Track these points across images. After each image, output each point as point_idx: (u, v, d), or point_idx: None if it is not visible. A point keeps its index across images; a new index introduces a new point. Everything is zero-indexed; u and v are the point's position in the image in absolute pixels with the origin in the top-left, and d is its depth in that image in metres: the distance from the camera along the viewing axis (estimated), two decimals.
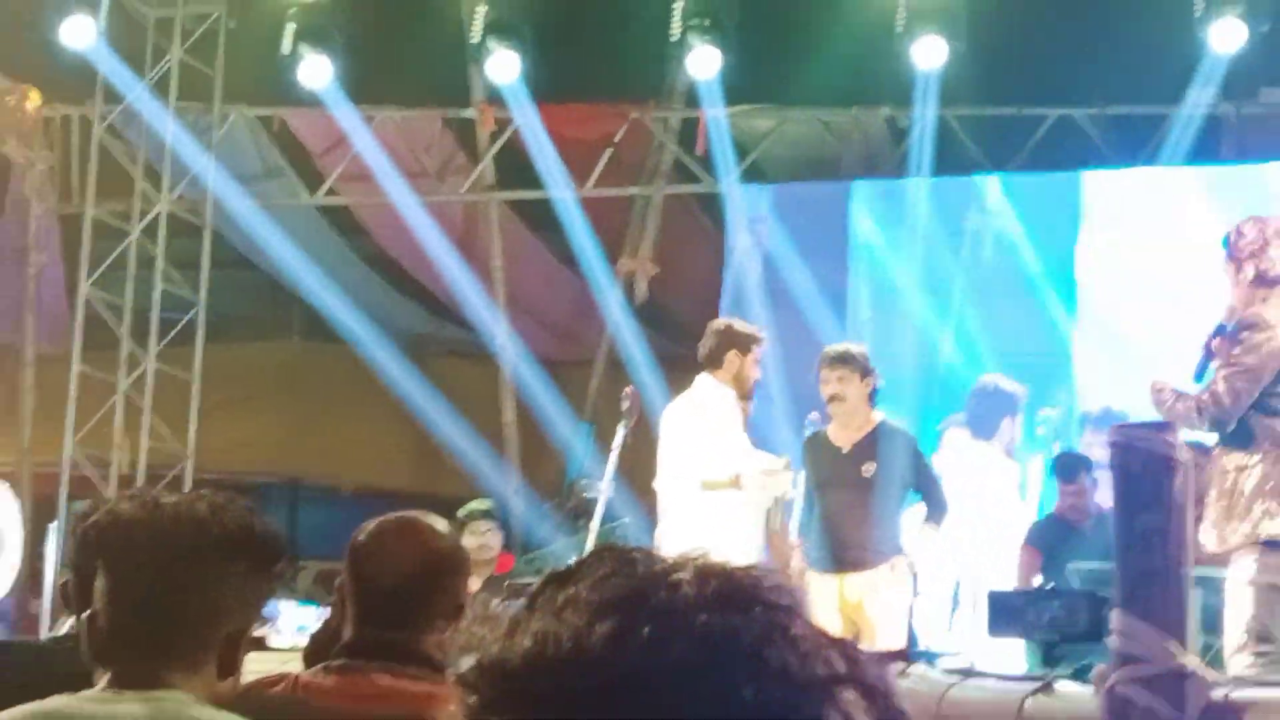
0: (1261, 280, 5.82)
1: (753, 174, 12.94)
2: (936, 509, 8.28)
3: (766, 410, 11.32)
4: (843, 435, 8.18)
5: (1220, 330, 6.12)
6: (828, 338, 10.40)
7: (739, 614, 0.99)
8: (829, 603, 8.02)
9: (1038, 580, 8.86)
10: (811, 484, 8.25)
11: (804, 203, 12.87)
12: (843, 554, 8.04)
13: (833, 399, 8.11)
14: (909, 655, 7.73)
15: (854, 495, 8.08)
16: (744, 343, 7.88)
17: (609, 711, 0.95)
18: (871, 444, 8.13)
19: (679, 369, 9.36)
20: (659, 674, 0.96)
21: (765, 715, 0.94)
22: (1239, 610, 5.75)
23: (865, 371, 8.15)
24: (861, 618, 8.03)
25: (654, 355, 12.06)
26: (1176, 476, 3.17)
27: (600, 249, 13.06)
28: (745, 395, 7.85)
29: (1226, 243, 5.98)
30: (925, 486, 8.33)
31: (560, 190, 12.84)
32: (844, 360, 8.13)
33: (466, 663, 1.04)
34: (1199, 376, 6.19)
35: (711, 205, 13.23)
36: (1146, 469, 3.21)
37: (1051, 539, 9.60)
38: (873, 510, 8.07)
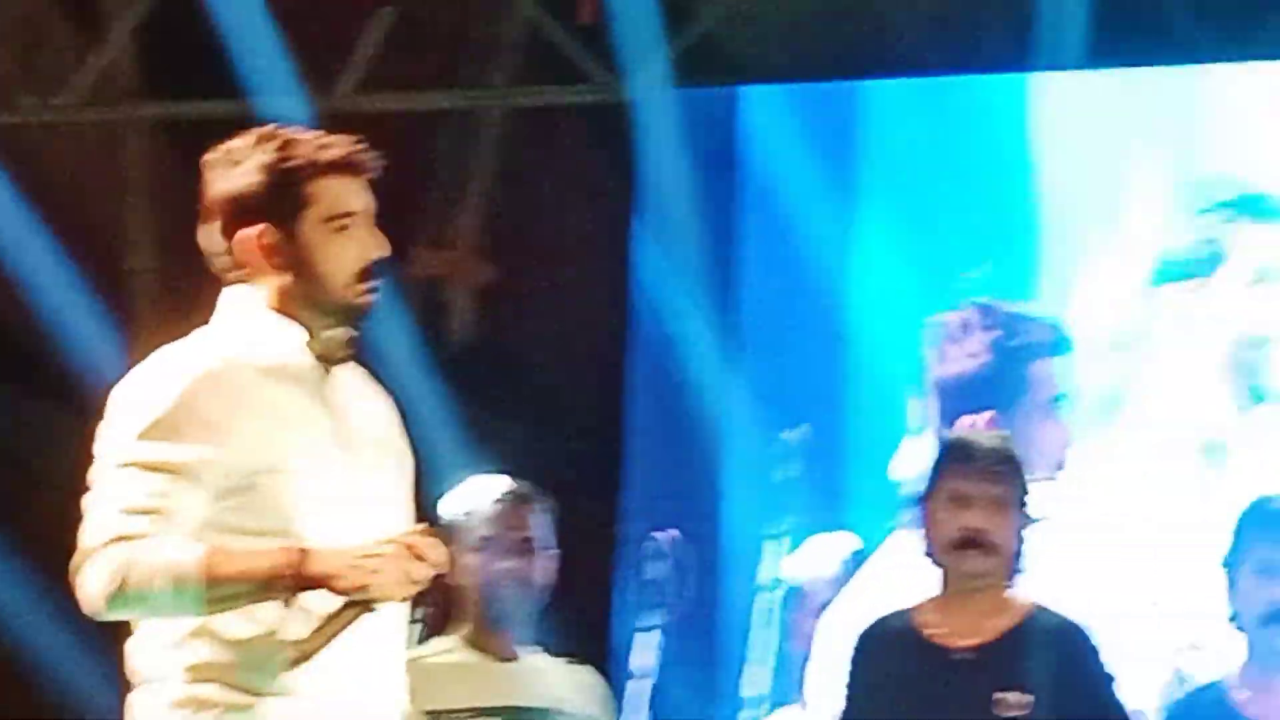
0: None
1: (700, 62, 7.15)
2: None
3: None
4: (962, 624, 4.81)
5: None
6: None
7: None
8: None
9: None
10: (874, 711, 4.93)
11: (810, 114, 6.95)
12: None
13: (970, 542, 4.62)
14: None
15: None
16: None
17: None
18: (1020, 647, 4.76)
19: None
20: None
21: None
22: None
23: (1026, 497, 4.68)
24: None
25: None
26: None
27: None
28: None
29: None
30: None
31: (282, 100, 7.49)
32: (1000, 462, 4.65)
33: None
34: None
35: (608, 125, 7.42)
36: None
37: None
38: None
